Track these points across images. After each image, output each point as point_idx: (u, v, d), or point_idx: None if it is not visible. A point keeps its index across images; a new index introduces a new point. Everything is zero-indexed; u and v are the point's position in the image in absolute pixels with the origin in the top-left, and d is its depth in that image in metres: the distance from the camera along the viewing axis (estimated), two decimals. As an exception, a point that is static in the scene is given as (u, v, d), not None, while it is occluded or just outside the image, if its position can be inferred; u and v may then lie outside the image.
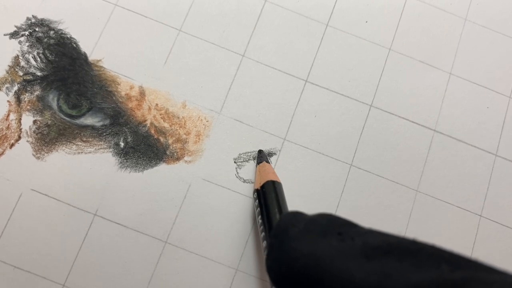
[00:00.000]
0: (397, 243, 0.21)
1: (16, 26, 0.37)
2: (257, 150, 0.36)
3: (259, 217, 0.31)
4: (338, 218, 0.25)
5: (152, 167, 0.35)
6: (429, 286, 0.17)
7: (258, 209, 0.31)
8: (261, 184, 0.32)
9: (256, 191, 0.33)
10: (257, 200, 0.32)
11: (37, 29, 0.37)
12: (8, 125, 0.35)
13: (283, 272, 0.23)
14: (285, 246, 0.24)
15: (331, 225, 0.24)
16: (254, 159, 0.36)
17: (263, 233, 0.29)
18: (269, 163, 0.36)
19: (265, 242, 0.29)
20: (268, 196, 0.31)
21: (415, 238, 0.21)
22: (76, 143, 0.35)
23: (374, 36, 0.40)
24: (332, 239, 0.22)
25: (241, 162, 0.36)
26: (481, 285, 0.16)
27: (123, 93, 0.36)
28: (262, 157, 0.36)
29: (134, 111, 0.36)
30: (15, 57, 0.36)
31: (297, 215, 0.27)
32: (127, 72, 0.37)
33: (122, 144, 0.35)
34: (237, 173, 0.36)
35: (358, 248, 0.21)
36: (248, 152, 0.36)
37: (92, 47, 0.37)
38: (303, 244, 0.23)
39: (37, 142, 0.35)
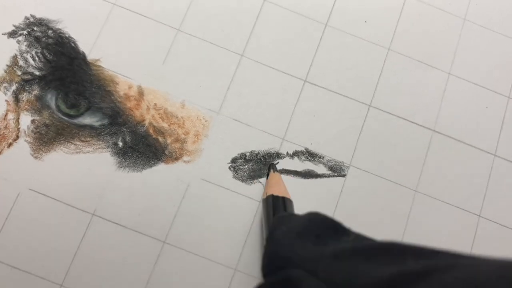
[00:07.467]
0: (370, 245, 0.22)
1: (14, 26, 0.37)
2: (257, 151, 0.37)
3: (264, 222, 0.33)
4: (321, 220, 0.27)
5: (150, 166, 0.35)
6: (390, 278, 0.18)
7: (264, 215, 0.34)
8: (267, 195, 0.34)
9: (264, 199, 0.34)
10: (265, 208, 0.34)
11: (35, 29, 0.37)
12: (6, 124, 0.35)
13: (264, 272, 0.26)
14: (267, 249, 0.27)
15: (310, 227, 0.26)
16: (252, 161, 0.36)
17: None
18: (278, 172, 0.36)
19: None
20: (268, 207, 0.33)
21: (394, 240, 0.22)
22: (75, 143, 0.35)
23: (373, 36, 0.40)
24: (307, 241, 0.25)
25: (241, 162, 0.36)
26: (444, 270, 0.17)
27: (121, 93, 0.36)
28: (272, 168, 0.36)
29: (132, 110, 0.36)
30: (14, 57, 0.36)
31: (284, 217, 0.29)
32: (125, 71, 0.37)
33: (120, 144, 0.35)
34: (236, 173, 0.36)
35: (329, 251, 0.22)
36: (247, 152, 0.36)
37: (90, 46, 0.37)
38: (280, 247, 0.26)
39: (35, 142, 0.35)
